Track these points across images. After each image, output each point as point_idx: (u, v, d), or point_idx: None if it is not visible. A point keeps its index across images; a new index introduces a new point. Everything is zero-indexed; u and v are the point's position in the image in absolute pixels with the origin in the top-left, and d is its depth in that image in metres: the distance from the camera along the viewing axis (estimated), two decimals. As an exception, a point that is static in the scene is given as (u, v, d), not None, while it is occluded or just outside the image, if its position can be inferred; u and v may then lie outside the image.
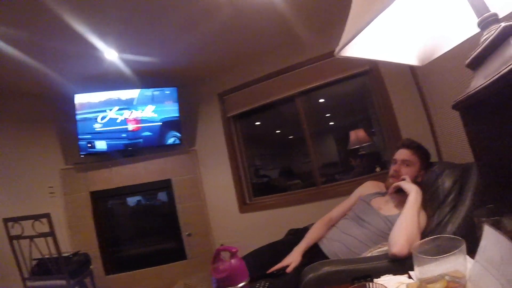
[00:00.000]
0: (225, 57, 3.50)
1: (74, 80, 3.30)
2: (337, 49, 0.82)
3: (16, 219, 2.35)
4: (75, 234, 3.45)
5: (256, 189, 3.81)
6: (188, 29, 2.74)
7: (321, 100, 3.76)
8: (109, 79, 3.44)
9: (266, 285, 1.30)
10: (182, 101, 3.77)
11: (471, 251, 0.66)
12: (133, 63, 3.21)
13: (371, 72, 3.06)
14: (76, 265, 2.71)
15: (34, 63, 2.76)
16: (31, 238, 2.32)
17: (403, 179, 1.54)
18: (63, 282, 2.42)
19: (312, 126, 3.47)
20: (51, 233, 2.34)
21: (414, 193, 1.40)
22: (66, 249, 3.11)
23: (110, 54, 2.94)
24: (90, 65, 3.09)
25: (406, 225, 1.28)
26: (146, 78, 3.56)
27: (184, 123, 3.84)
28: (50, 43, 2.55)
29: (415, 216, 1.32)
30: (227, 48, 3.28)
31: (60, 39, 2.52)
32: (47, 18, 2.21)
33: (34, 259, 2.48)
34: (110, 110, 3.52)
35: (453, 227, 1.24)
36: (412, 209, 1.34)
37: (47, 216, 2.33)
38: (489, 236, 0.60)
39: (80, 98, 3.44)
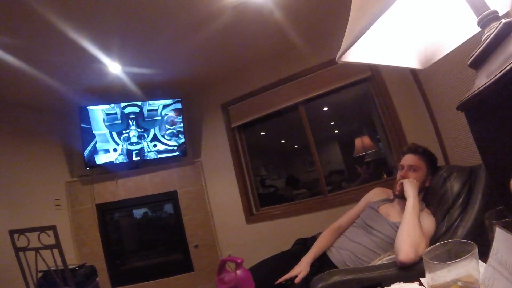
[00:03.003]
0: (227, 68, 3.54)
1: (80, 93, 3.35)
2: (338, 55, 0.82)
3: (22, 231, 2.34)
4: (81, 246, 3.45)
5: (263, 199, 3.79)
6: (190, 40, 2.78)
7: (325, 109, 3.76)
8: (114, 92, 3.48)
9: (275, 296, 1.28)
10: (186, 113, 3.79)
11: (483, 255, 0.64)
12: (137, 76, 3.26)
13: (374, 78, 3.06)
14: (82, 277, 2.71)
15: (39, 76, 2.80)
16: (37, 250, 2.30)
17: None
18: (69, 294, 2.41)
19: (317, 134, 3.46)
20: (57, 245, 2.33)
21: (411, 199, 1.40)
22: (72, 261, 3.11)
23: (114, 68, 2.99)
24: (95, 78, 3.15)
25: (408, 231, 1.27)
26: (150, 90, 3.60)
27: (189, 135, 3.85)
28: (55, 57, 2.61)
29: (415, 221, 1.31)
30: (228, 58, 3.32)
31: (65, 53, 2.58)
32: (51, 32, 2.26)
33: (40, 271, 2.45)
34: (117, 123, 3.56)
35: (463, 230, 1.21)
36: (410, 214, 1.33)
37: (53, 228, 2.32)
38: (501, 239, 0.58)
39: (88, 111, 3.49)
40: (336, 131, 4.04)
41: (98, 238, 3.49)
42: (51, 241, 2.32)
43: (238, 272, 0.69)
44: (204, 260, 3.56)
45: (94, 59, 2.72)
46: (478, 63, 0.68)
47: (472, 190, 1.33)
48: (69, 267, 2.43)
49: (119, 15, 2.27)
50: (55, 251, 2.32)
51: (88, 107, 3.48)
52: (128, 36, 2.57)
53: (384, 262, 1.37)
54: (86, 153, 3.45)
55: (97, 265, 3.10)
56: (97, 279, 2.95)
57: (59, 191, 3.50)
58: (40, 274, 2.49)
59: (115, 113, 3.57)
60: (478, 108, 0.71)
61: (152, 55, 2.97)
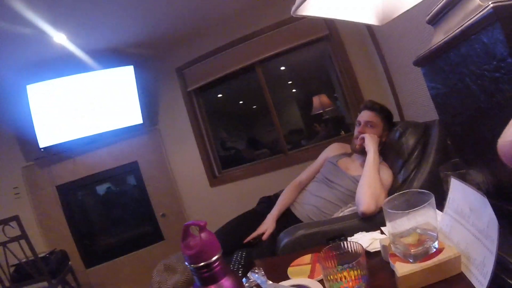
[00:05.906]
0: (180, 30, 3.32)
1: (23, 68, 3.00)
2: (293, 8, 0.79)
3: (-16, 227, 2.21)
4: (48, 233, 3.30)
5: (224, 162, 3.79)
6: (140, 2, 2.56)
7: (282, 68, 3.73)
8: (60, 64, 3.14)
9: (243, 255, 1.32)
10: (140, 79, 3.60)
11: (438, 205, 0.69)
12: (85, 45, 2.96)
13: (331, 37, 3.05)
14: (55, 264, 2.65)
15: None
16: (3, 244, 2.20)
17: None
18: (45, 283, 2.37)
19: (275, 94, 3.45)
20: (23, 236, 2.24)
21: (371, 153, 1.46)
22: (42, 249, 2.99)
23: (59, 38, 2.67)
24: (38, 51, 2.81)
25: (368, 183, 1.34)
26: (100, 59, 3.32)
27: (144, 102, 3.68)
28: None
29: (375, 173, 1.38)
30: (181, 20, 3.11)
31: (4, 23, 2.26)
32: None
33: (12, 265, 2.38)
34: (65, 97, 3.27)
35: (418, 183, 1.30)
36: (371, 168, 1.40)
37: (16, 218, 2.23)
38: (457, 189, 0.62)
39: (33, 88, 3.15)
40: (294, 90, 4.06)
41: (64, 220, 3.34)
42: (16, 232, 2.23)
43: (203, 235, 0.68)
44: (173, 228, 3.56)
45: (37, 30, 2.41)
46: (437, 20, 0.69)
47: (427, 145, 1.42)
48: (39, 255, 2.36)
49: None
50: (23, 242, 2.24)
51: (34, 84, 3.13)
52: (74, 3, 2.30)
53: (345, 214, 1.46)
54: (38, 133, 3.16)
55: (67, 249, 3.03)
56: (69, 263, 2.90)
57: (16, 178, 3.27)
58: (12, 269, 2.42)
59: (65, 87, 3.26)
60: (434, 64, 0.73)
61: (101, 23, 2.69)
